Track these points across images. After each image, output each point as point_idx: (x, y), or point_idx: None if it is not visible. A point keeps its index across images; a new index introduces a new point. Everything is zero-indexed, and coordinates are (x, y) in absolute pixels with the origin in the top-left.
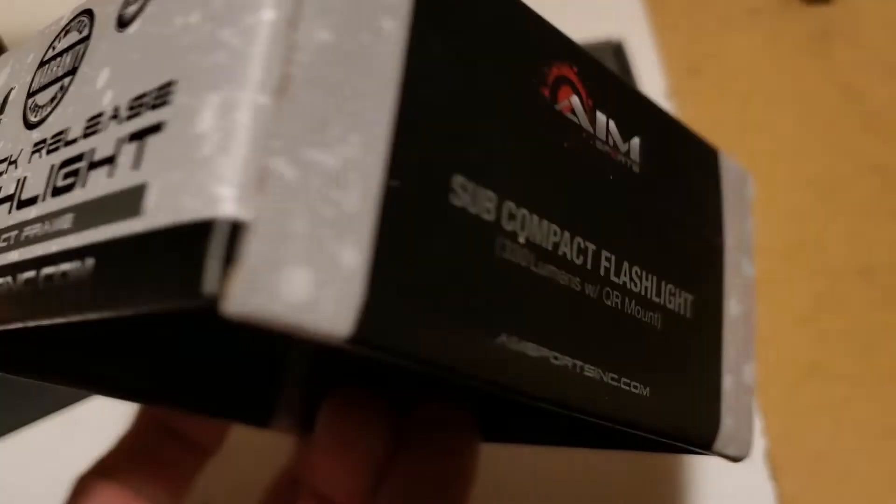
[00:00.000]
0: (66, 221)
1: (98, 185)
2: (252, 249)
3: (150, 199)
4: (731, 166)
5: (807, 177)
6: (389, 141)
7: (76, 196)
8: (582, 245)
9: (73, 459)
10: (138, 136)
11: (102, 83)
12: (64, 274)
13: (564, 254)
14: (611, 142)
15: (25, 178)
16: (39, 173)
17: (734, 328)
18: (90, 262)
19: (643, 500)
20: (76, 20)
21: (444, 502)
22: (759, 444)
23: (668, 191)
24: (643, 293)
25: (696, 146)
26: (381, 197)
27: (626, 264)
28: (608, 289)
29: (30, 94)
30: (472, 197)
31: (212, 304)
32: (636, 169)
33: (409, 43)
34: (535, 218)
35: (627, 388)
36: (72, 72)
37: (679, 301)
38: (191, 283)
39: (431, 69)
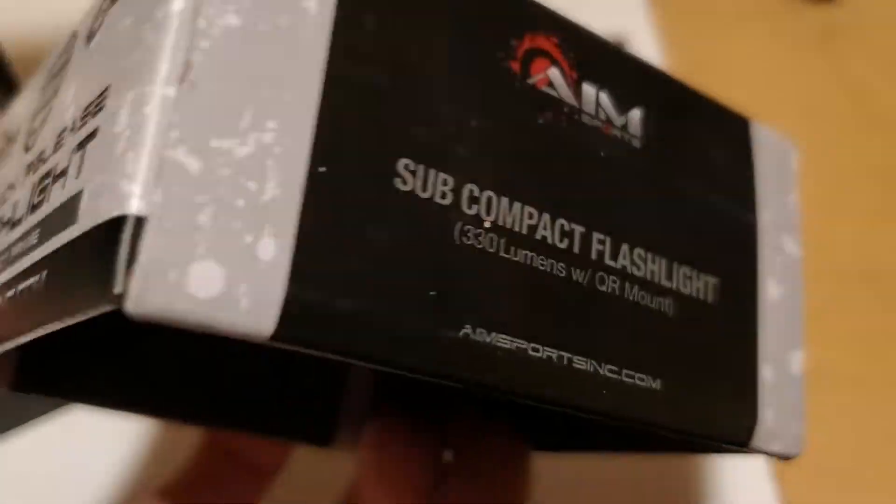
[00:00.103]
0: (35, 237)
1: (56, 197)
2: (152, 245)
3: (83, 205)
4: (767, 136)
5: (811, 178)
6: (315, 125)
7: (44, 210)
8: (566, 228)
9: (73, 460)
10: (82, 144)
11: (69, 98)
12: (29, 288)
13: (544, 237)
14: (602, 115)
15: (18, 200)
16: (25, 193)
17: (774, 312)
18: (44, 274)
19: (643, 501)
20: (66, 43)
21: None
22: None
23: (680, 166)
24: (649, 278)
25: (718, 116)
26: (305, 184)
27: (625, 247)
28: (602, 273)
29: (31, 120)
30: (422, 181)
31: (121, 304)
32: (636, 143)
33: (337, 22)
34: (505, 200)
35: (631, 380)
36: (55, 93)
37: (697, 285)
38: (105, 285)
39: (365, 48)
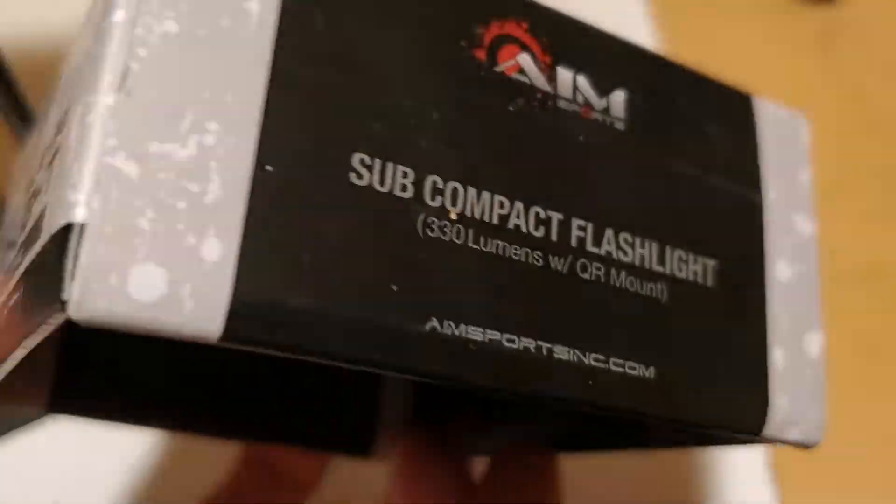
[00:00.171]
0: (21, 254)
1: (34, 214)
2: (92, 250)
3: (45, 219)
4: (774, 112)
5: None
6: (260, 125)
7: (27, 228)
8: (542, 215)
9: (72, 460)
10: (50, 161)
11: (52, 119)
12: (15, 304)
13: (517, 226)
14: (580, 99)
15: (21, 221)
16: (22, 214)
17: (786, 294)
18: (22, 289)
19: (643, 500)
20: (61, 67)
21: None
22: (760, 450)
23: (672, 147)
24: (638, 263)
25: (716, 94)
26: (251, 184)
27: (609, 232)
28: (584, 261)
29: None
30: (379, 175)
31: (66, 310)
32: (620, 126)
33: (282, 22)
34: (473, 191)
35: (620, 369)
36: (45, 116)
37: (694, 268)
38: (56, 293)
39: (315, 46)
